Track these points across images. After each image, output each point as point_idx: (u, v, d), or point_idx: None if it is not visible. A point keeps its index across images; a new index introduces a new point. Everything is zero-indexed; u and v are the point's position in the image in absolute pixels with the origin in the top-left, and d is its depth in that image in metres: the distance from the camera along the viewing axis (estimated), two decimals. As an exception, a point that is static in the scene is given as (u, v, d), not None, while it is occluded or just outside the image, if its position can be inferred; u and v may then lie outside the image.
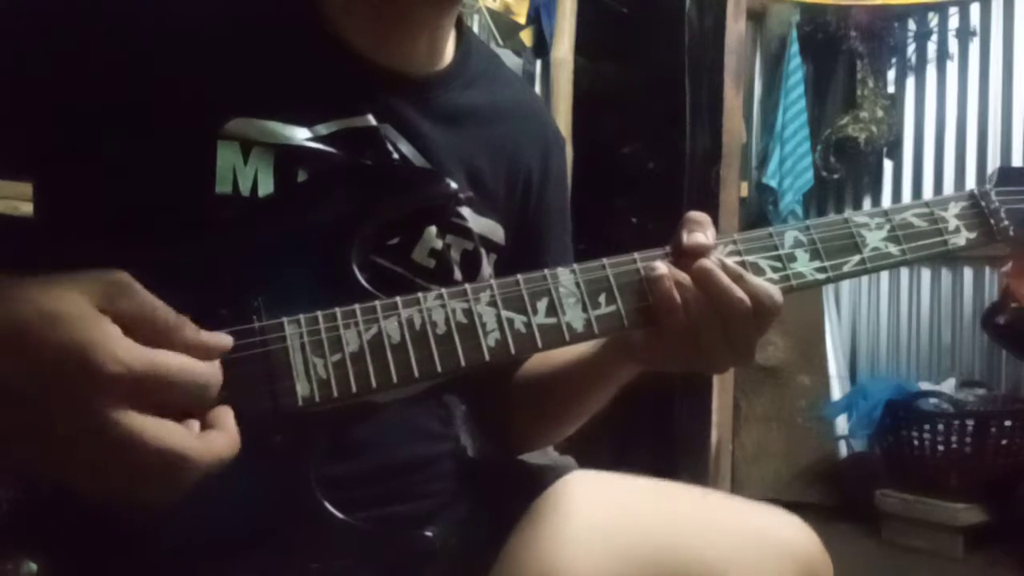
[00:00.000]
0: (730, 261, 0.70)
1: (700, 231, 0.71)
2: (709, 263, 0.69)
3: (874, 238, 0.74)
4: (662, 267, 0.69)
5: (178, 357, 0.53)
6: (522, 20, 2.83)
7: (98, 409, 0.50)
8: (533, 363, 0.90)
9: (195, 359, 0.54)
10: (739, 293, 0.68)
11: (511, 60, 2.72)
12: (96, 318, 0.51)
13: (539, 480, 0.84)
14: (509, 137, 0.88)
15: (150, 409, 0.51)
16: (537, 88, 3.00)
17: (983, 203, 0.77)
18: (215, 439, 0.54)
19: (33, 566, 0.56)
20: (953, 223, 0.76)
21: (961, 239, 0.76)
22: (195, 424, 0.54)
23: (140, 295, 0.54)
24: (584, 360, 0.82)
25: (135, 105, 0.68)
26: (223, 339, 0.57)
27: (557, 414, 0.90)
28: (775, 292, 0.70)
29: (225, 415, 0.55)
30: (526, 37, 2.93)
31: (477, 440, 0.94)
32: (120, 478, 0.51)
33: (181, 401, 0.53)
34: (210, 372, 0.55)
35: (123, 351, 0.51)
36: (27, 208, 0.78)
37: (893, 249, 0.74)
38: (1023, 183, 0.78)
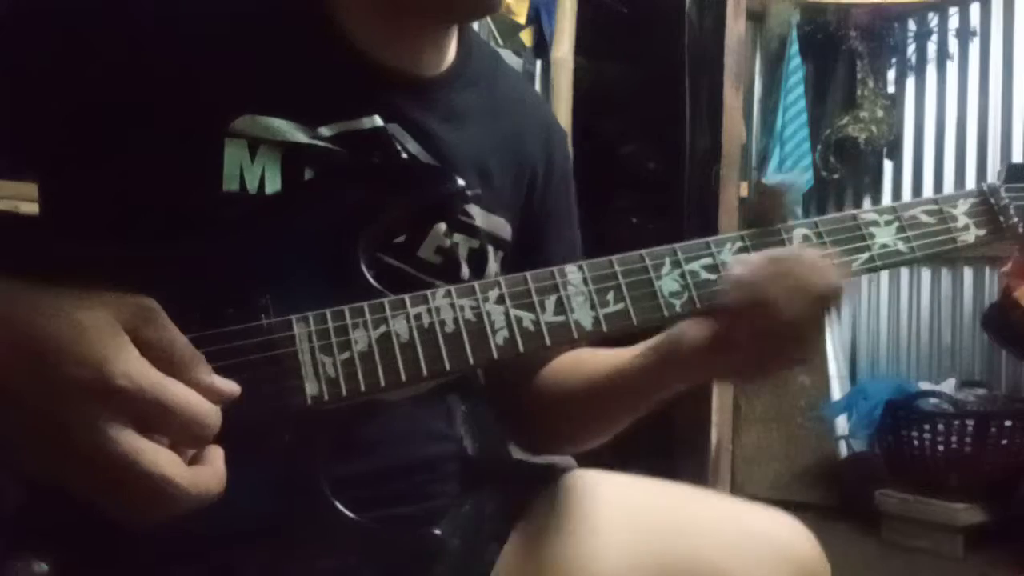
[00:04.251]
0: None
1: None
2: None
3: (883, 235, 0.73)
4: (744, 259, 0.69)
5: (186, 390, 0.54)
6: (522, 20, 2.83)
7: (102, 421, 0.50)
8: (563, 371, 0.88)
9: (201, 397, 0.55)
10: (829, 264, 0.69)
11: (511, 60, 2.72)
12: (118, 336, 0.52)
13: (540, 478, 0.84)
14: (513, 133, 0.88)
15: (149, 432, 0.52)
16: (537, 88, 2.99)
17: (992, 200, 0.76)
18: (205, 474, 0.54)
19: (44, 566, 0.56)
20: (963, 220, 0.75)
21: (971, 236, 0.75)
22: (187, 455, 0.55)
23: (165, 325, 0.55)
24: (624, 375, 0.79)
25: (142, 103, 0.68)
26: (232, 386, 0.57)
27: (586, 427, 0.88)
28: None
29: (215, 454, 0.56)
30: (526, 37, 2.93)
31: (478, 440, 0.94)
32: (108, 492, 0.52)
33: (178, 433, 0.54)
34: (212, 414, 0.55)
35: (135, 370, 0.52)
36: (27, 208, 0.78)
37: (902, 246, 0.73)
38: None
